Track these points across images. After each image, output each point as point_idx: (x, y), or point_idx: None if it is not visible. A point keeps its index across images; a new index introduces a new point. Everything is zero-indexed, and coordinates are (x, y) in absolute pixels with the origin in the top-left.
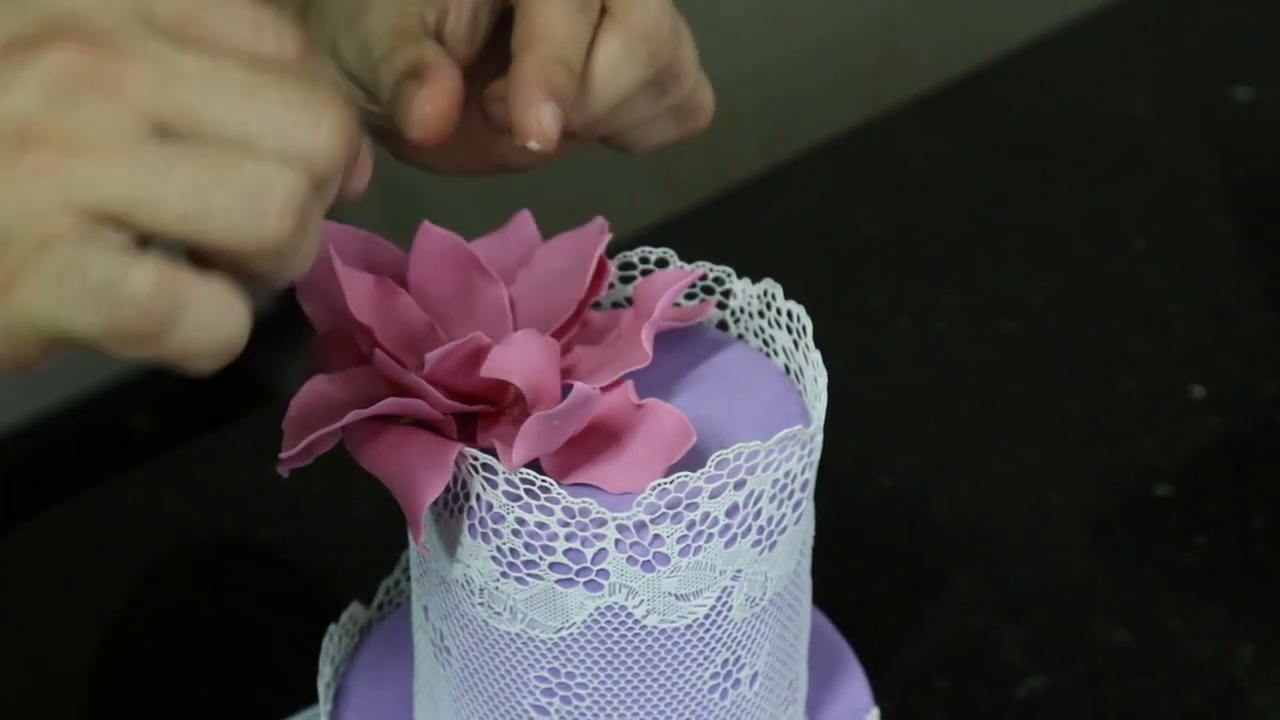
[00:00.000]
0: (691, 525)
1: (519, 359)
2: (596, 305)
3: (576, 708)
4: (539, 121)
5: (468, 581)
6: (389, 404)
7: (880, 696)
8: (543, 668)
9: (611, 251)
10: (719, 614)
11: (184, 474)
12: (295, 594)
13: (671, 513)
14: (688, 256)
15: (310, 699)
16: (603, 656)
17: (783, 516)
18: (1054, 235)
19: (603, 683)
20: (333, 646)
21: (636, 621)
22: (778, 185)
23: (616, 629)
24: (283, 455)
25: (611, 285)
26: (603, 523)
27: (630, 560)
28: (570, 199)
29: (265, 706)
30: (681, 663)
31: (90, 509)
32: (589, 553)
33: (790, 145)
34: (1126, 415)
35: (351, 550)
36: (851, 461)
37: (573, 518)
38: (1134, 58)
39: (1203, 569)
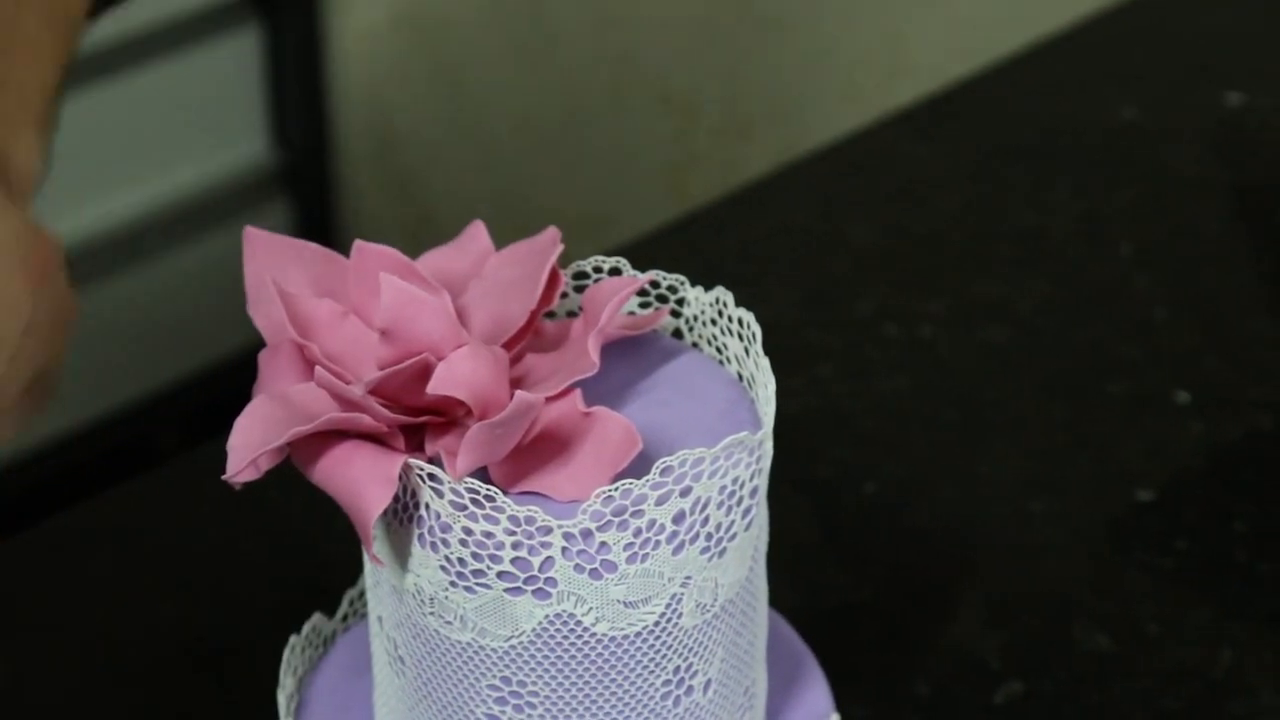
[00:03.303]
0: (638, 532)
1: (465, 374)
2: (551, 314)
3: (529, 716)
4: None
5: (418, 591)
6: (330, 419)
7: (859, 702)
8: (494, 676)
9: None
10: (669, 621)
11: (166, 487)
12: (277, 608)
13: (618, 520)
14: (679, 264)
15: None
16: (554, 664)
17: (732, 523)
18: (1043, 241)
19: (554, 690)
20: (295, 658)
21: (586, 629)
22: (767, 193)
23: (566, 637)
24: (227, 475)
25: (565, 294)
26: (549, 531)
27: (578, 568)
28: (583, 212)
29: (238, 717)
30: (633, 670)
31: (70, 522)
32: (536, 561)
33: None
34: (1111, 420)
35: (336, 563)
36: (835, 468)
37: (519, 526)
38: (1125, 63)
39: (1184, 573)
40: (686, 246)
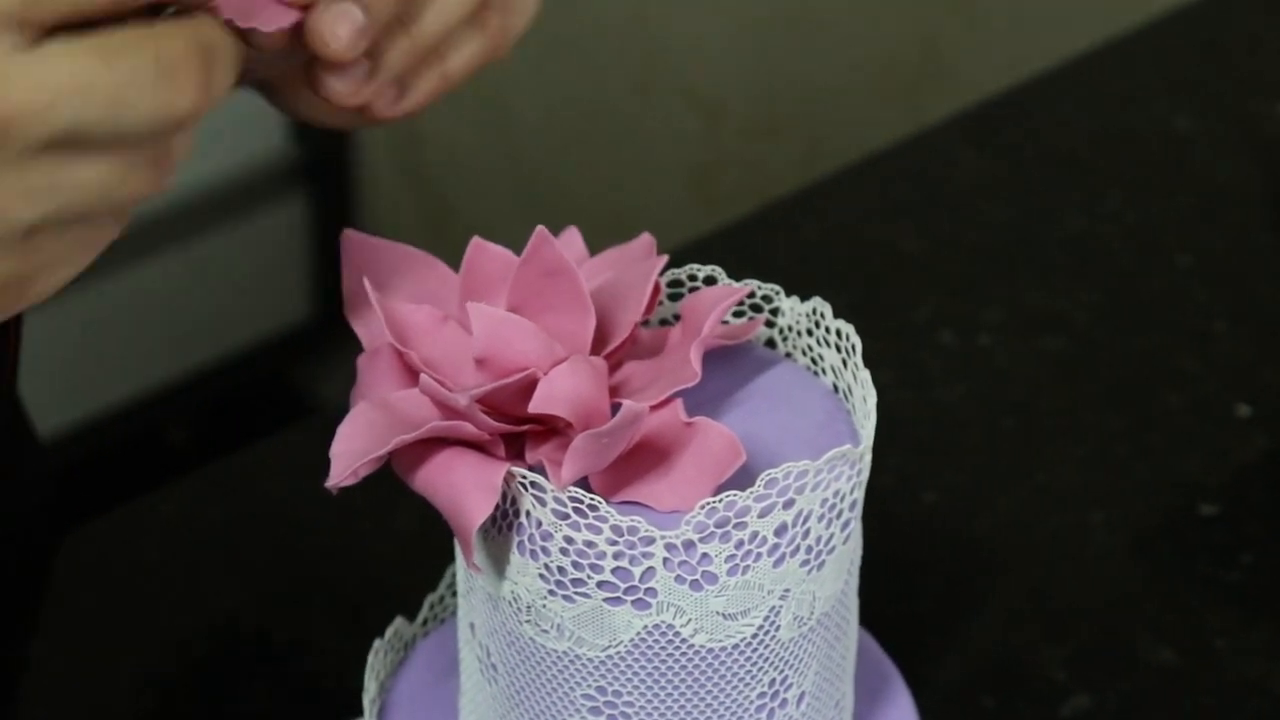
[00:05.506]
0: (740, 544)
1: (566, 390)
2: (645, 322)
3: None
4: (332, 30)
5: (515, 599)
6: (434, 428)
7: (923, 714)
8: (590, 686)
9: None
10: (766, 634)
11: (227, 486)
12: (337, 608)
13: (720, 532)
14: (729, 271)
15: (352, 714)
16: (650, 675)
17: (831, 536)
18: (1098, 250)
19: (649, 701)
20: (378, 662)
21: (684, 640)
22: (819, 200)
23: (664, 648)
24: (329, 482)
25: (660, 302)
26: (651, 541)
27: (678, 579)
28: (607, 211)
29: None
30: (729, 682)
31: (131, 521)
32: (637, 571)
33: (829, 159)
34: (1171, 432)
35: (394, 564)
36: (894, 477)
37: (621, 536)
38: (1178, 73)
39: (1248, 588)
40: (734, 251)
